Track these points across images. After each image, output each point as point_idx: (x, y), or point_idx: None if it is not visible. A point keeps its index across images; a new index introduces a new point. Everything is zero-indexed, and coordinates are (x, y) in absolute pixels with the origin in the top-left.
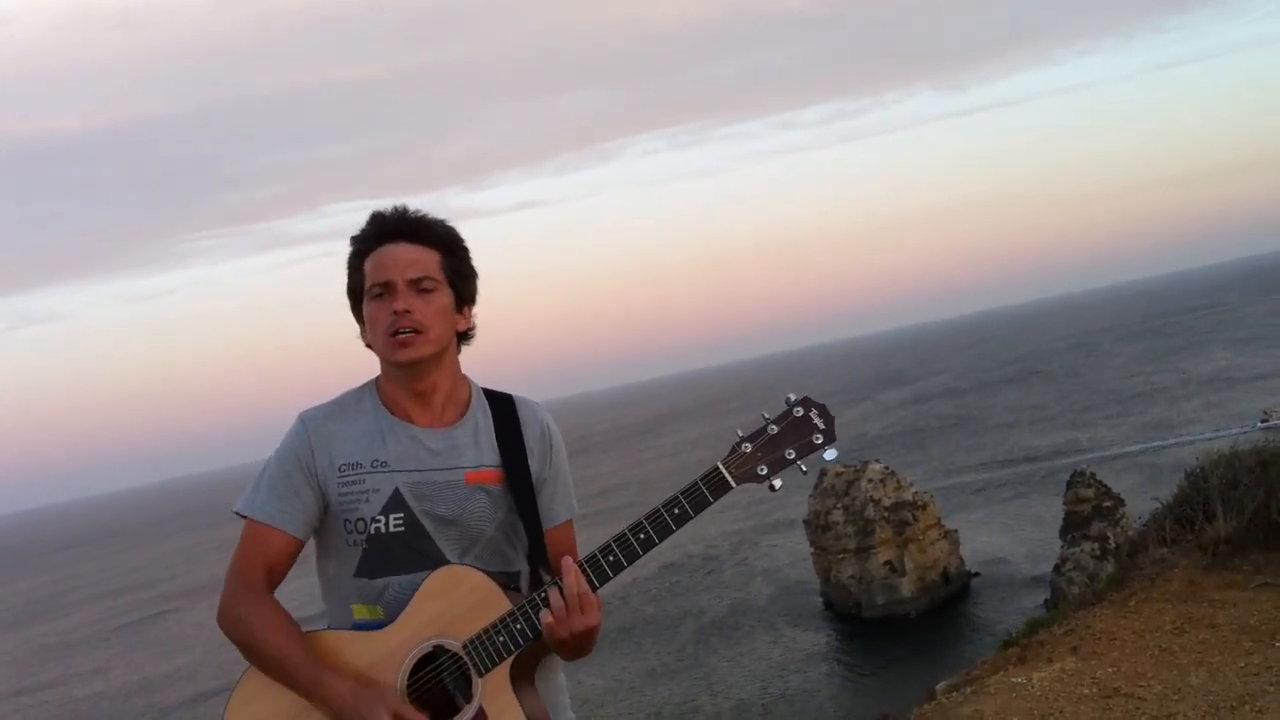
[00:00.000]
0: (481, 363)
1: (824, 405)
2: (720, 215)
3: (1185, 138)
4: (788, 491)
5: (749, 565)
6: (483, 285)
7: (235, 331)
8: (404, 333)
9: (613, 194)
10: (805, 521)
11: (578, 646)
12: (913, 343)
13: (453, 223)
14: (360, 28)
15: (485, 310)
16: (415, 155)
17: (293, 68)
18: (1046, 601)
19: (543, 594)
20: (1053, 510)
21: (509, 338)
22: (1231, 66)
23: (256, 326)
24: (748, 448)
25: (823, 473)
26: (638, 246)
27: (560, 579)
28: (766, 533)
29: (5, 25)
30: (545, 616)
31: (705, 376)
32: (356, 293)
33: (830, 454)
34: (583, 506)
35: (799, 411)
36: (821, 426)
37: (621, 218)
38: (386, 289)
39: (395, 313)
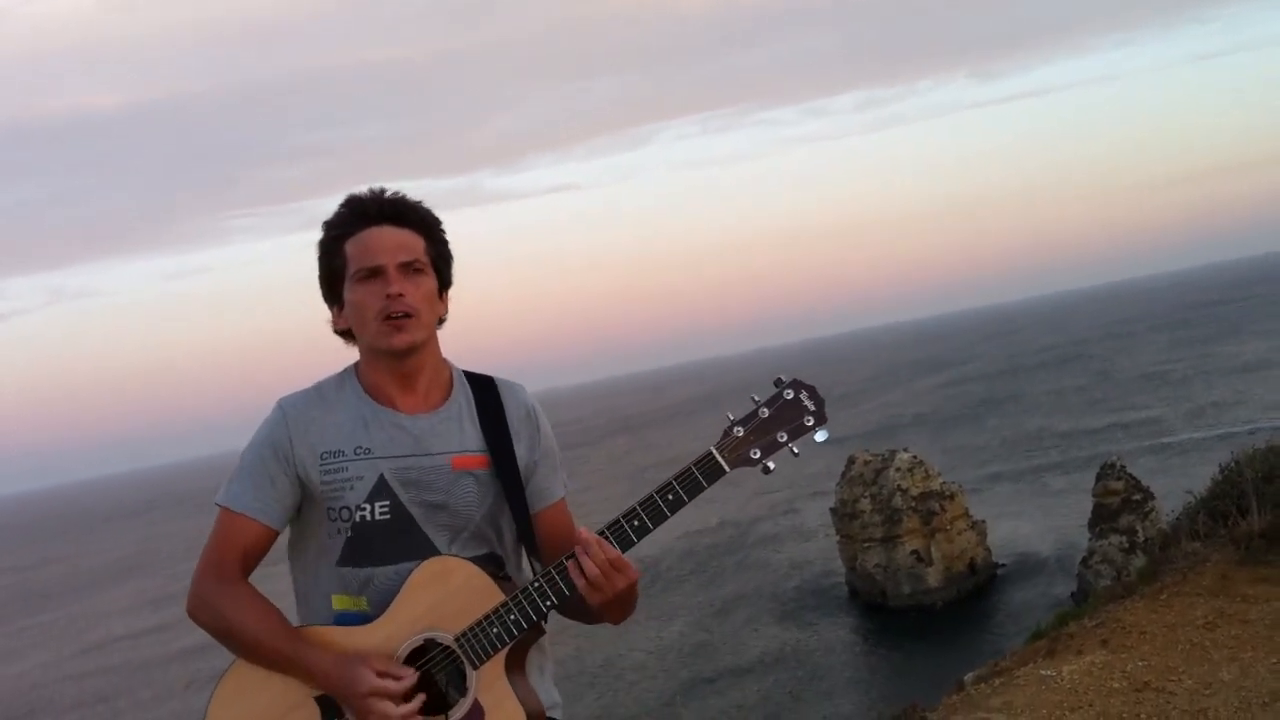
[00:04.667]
0: (509, 345)
1: (813, 387)
2: (753, 201)
3: (1222, 129)
4: (812, 477)
5: (773, 549)
6: (517, 268)
7: (274, 309)
8: (397, 316)
9: (646, 178)
10: (832, 509)
11: (623, 606)
12: (945, 331)
13: (484, 205)
14: (394, 9)
15: (518, 292)
16: (449, 137)
17: (328, 48)
18: (1074, 594)
19: (536, 583)
20: (1080, 502)
21: (539, 320)
22: (1273, 58)
23: (295, 305)
24: (740, 431)
25: (850, 460)
26: (671, 231)
27: (583, 549)
28: (791, 517)
29: (42, 2)
30: (590, 592)
31: (739, 362)
32: (333, 279)
33: (821, 435)
34: (638, 479)
35: (789, 394)
36: (812, 408)
37: (655, 202)
38: (375, 273)
39: (389, 296)
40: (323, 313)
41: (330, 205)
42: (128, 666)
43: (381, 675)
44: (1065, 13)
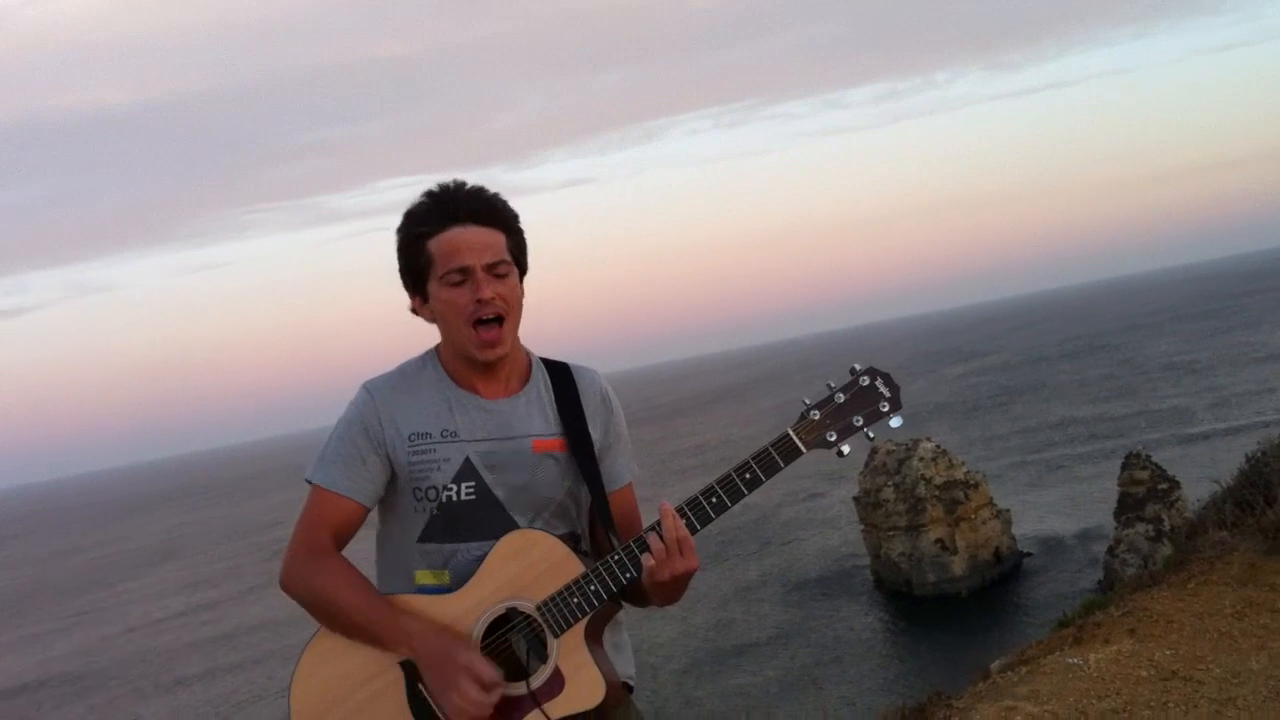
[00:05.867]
0: (524, 340)
1: (889, 374)
2: (768, 195)
3: (1240, 119)
4: (835, 465)
5: (797, 536)
6: (532, 261)
7: (291, 302)
8: (487, 321)
9: (658, 173)
10: (855, 499)
11: (675, 589)
12: (966, 323)
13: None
14: (405, 5)
15: (531, 286)
16: (461, 132)
17: (340, 44)
18: (1100, 583)
19: (616, 556)
20: (1106, 491)
21: (554, 314)
22: None
23: (309, 298)
24: (816, 415)
25: (874, 450)
26: (684, 225)
27: (658, 525)
28: (814, 504)
29: (55, 0)
30: (647, 560)
31: (757, 354)
32: (417, 274)
33: (896, 421)
34: (661, 469)
35: (865, 380)
36: (888, 395)
37: (667, 196)
38: (465, 275)
39: (480, 300)
40: (334, 308)
41: (344, 200)
42: (171, 647)
43: (468, 665)
44: (1081, 5)
